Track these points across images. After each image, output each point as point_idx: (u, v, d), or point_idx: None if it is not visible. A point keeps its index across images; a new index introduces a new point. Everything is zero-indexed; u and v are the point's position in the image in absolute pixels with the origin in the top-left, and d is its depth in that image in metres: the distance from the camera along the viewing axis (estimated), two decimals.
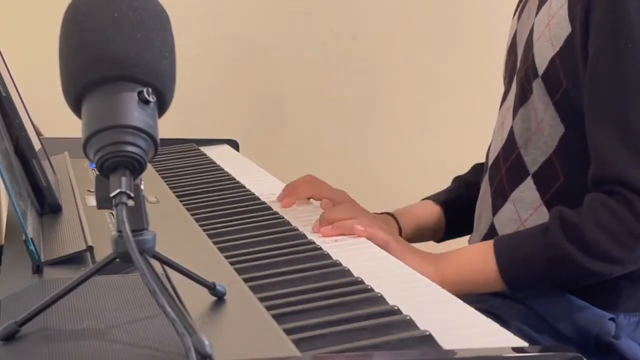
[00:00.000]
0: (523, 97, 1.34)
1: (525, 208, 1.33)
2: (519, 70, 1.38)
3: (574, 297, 1.28)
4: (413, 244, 1.33)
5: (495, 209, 1.38)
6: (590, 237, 1.19)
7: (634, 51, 1.20)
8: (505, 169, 1.37)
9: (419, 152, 2.62)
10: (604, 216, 1.19)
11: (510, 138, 1.37)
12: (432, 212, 1.56)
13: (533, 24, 1.34)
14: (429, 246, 1.49)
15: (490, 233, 1.39)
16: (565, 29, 1.26)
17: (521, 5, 1.46)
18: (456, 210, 1.55)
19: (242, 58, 2.56)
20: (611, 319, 1.26)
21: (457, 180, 1.62)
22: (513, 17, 1.50)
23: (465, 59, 2.59)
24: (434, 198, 1.58)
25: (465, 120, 2.57)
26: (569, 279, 1.25)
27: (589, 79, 1.23)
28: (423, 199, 1.59)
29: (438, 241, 1.60)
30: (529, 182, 1.33)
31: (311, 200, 1.42)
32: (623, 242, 1.19)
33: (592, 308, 1.27)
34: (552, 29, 1.28)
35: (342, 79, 2.60)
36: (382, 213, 1.53)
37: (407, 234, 1.51)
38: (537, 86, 1.31)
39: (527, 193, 1.33)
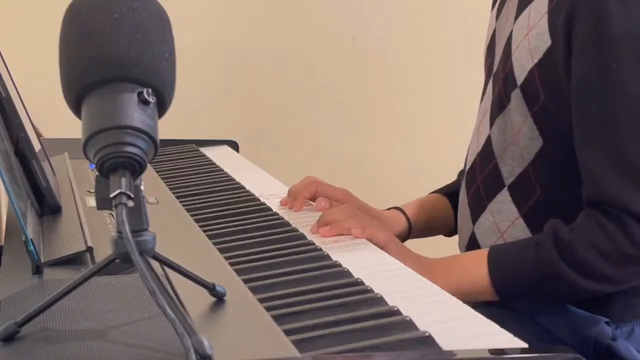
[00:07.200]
0: (500, 106, 1.32)
1: (503, 220, 1.32)
2: (497, 73, 1.36)
3: (570, 306, 1.28)
4: (424, 239, 1.30)
5: (474, 218, 1.37)
6: (583, 256, 1.18)
7: (619, 71, 1.17)
8: (481, 178, 1.36)
9: (419, 153, 2.62)
10: (597, 236, 1.18)
11: (488, 146, 1.35)
12: (442, 205, 1.56)
13: (512, 31, 1.32)
14: (438, 245, 1.49)
15: (472, 242, 1.38)
16: (545, 41, 1.24)
17: (499, 1, 1.43)
18: None
19: (242, 58, 2.56)
20: (607, 322, 1.25)
21: (462, 174, 1.62)
22: (491, 11, 1.48)
23: (465, 59, 2.58)
24: (442, 191, 1.58)
25: (466, 120, 2.56)
26: (560, 294, 1.24)
27: (575, 99, 1.21)
28: (431, 193, 1.59)
29: (448, 235, 1.59)
30: (505, 194, 1.32)
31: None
32: (615, 262, 1.18)
33: (588, 313, 1.26)
34: (532, 40, 1.25)
35: (342, 80, 2.60)
36: (390, 208, 1.53)
37: (419, 229, 1.51)
38: (516, 96, 1.28)
39: (504, 205, 1.32)
